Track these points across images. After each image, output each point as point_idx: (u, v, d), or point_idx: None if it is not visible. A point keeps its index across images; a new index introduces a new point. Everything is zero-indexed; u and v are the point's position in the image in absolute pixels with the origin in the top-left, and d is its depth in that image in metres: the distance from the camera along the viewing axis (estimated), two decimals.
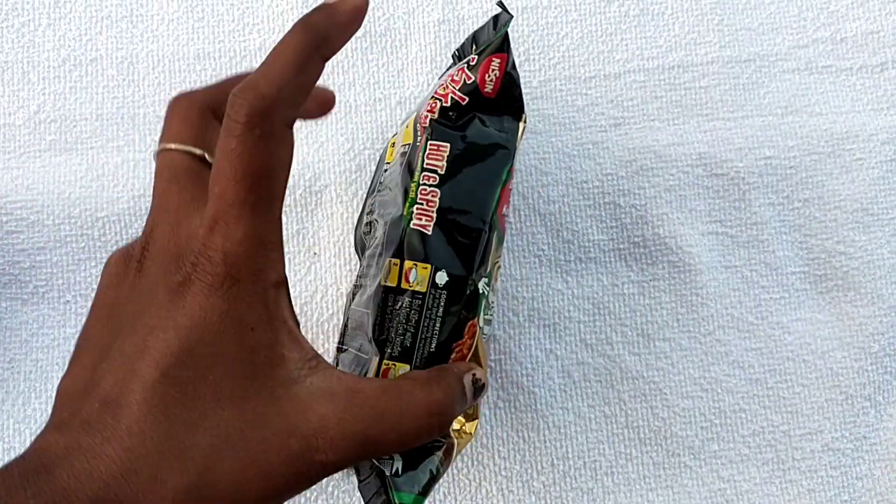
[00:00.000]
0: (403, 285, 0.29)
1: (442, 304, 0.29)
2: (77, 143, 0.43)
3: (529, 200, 0.42)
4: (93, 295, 0.41)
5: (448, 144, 0.30)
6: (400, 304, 0.29)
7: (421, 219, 0.29)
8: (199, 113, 0.27)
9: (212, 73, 0.44)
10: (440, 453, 0.29)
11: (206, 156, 0.27)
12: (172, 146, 0.27)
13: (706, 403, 0.41)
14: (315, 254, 0.41)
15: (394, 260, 0.30)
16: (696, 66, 0.44)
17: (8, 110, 0.43)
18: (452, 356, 0.29)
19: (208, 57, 0.44)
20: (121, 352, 0.24)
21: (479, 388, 0.28)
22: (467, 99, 0.31)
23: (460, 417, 0.30)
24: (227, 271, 0.24)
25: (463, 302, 0.29)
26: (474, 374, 0.28)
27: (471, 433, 0.30)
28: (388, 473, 0.28)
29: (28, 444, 0.39)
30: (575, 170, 0.43)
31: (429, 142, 0.30)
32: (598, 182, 0.43)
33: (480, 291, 0.30)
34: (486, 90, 0.31)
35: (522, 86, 0.44)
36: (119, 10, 0.45)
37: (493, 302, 0.31)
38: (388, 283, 0.30)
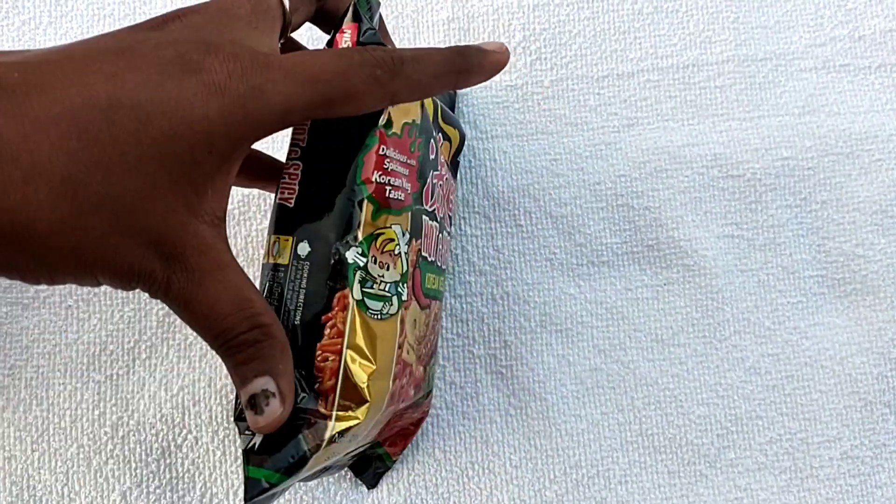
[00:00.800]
0: (270, 260, 0.29)
1: (305, 275, 0.28)
2: None
3: (541, 203, 0.41)
4: (95, 300, 0.40)
5: None
6: (269, 279, 0.29)
7: (284, 192, 0.29)
8: None
9: None
10: (306, 432, 0.28)
11: (288, 15, 0.29)
12: None
13: (722, 410, 0.40)
14: None
15: (269, 238, 0.30)
16: (711, 64, 0.43)
17: None
18: (326, 331, 0.28)
19: None
20: (100, 53, 0.24)
21: (257, 402, 0.26)
22: None
23: (342, 401, 0.28)
24: (247, 93, 0.24)
25: (327, 272, 0.28)
26: (266, 390, 0.26)
27: (358, 418, 0.28)
28: (243, 447, 0.27)
29: (30, 451, 0.38)
30: (587, 171, 0.42)
31: None
32: (611, 184, 0.42)
33: (350, 261, 0.29)
34: None
35: (533, 85, 0.43)
36: (121, 8, 0.44)
37: (381, 276, 0.30)
38: (264, 261, 0.29)
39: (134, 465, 0.38)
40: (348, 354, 0.28)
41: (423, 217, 0.33)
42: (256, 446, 0.27)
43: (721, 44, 0.43)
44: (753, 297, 0.41)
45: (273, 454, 0.27)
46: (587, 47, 0.43)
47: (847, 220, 0.42)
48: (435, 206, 0.34)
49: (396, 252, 0.30)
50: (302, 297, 0.28)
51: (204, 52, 0.25)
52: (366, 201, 0.29)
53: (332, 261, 0.29)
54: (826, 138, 0.42)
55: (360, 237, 0.29)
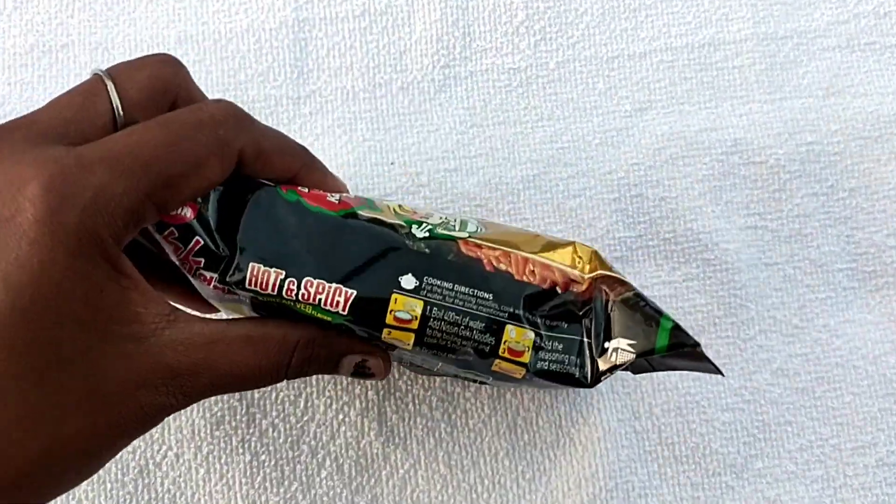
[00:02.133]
0: (413, 325, 0.27)
1: (448, 283, 0.27)
2: None
3: (548, 194, 0.39)
4: None
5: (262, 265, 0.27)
6: (434, 330, 0.27)
7: (337, 305, 0.27)
8: (162, 92, 0.26)
9: (194, 57, 0.40)
10: (612, 295, 0.28)
11: (119, 121, 0.25)
12: (113, 90, 0.25)
13: (748, 416, 0.37)
14: None
15: (387, 331, 0.27)
16: (729, 43, 0.41)
17: None
18: (501, 267, 0.28)
19: (190, 40, 0.40)
20: None
21: (362, 371, 0.28)
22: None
23: (575, 265, 0.29)
24: (78, 221, 0.22)
25: (443, 252, 0.27)
26: (363, 360, 0.28)
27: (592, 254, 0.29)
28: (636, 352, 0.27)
29: None
30: (598, 160, 0.39)
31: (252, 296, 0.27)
32: (624, 173, 0.39)
33: (425, 235, 0.28)
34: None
35: (537, 68, 0.40)
36: None
37: (441, 220, 0.29)
38: (405, 345, 0.27)
39: (109, 485, 0.35)
40: (521, 254, 0.28)
41: None
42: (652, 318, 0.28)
43: (739, 21, 0.41)
44: (779, 292, 0.38)
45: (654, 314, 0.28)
46: (595, 26, 0.41)
47: (877, 209, 0.39)
48: None
49: (408, 206, 0.30)
50: (465, 288, 0.27)
51: (15, 193, 0.22)
52: (357, 213, 0.28)
53: (427, 250, 0.27)
54: (852, 121, 0.40)
55: (398, 219, 0.28)
